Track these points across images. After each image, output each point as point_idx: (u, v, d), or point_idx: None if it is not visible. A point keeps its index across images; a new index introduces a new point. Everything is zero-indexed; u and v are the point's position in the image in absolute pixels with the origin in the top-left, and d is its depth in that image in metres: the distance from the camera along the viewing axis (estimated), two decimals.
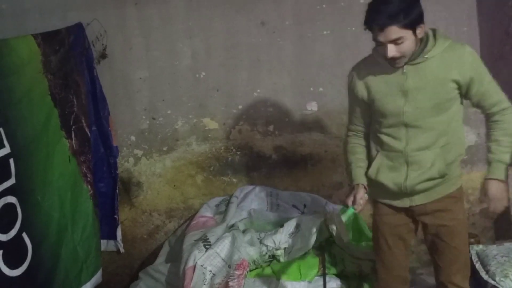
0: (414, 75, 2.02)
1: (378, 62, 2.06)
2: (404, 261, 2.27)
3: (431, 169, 2.08)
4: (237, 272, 2.59)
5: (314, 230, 2.78)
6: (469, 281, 2.22)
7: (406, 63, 2.01)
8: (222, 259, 2.68)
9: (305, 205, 3.17)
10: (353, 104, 2.23)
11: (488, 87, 2.06)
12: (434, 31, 2.05)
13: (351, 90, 2.19)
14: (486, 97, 2.07)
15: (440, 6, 3.11)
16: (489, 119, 2.13)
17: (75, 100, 3.09)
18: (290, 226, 2.81)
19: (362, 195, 2.14)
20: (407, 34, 1.93)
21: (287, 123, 3.38)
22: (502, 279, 2.24)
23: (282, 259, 2.72)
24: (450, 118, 2.08)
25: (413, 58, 2.01)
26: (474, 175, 2.99)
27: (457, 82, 2.03)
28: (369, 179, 2.20)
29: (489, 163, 2.11)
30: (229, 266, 2.64)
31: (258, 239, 2.81)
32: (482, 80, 2.05)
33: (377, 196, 2.25)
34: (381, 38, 1.93)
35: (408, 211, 2.19)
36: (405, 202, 2.17)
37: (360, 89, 2.14)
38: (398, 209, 2.19)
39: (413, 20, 1.92)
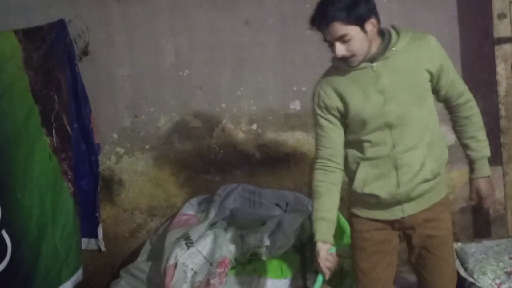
0: (386, 71, 1.89)
1: (343, 68, 1.93)
2: (388, 280, 2.10)
3: (423, 170, 1.93)
4: (219, 270, 2.59)
5: (296, 228, 2.79)
6: None
7: (375, 61, 1.89)
8: (204, 257, 2.68)
9: (287, 204, 3.19)
10: (322, 122, 1.99)
11: (454, 75, 2.01)
12: (393, 27, 1.96)
13: (321, 103, 1.98)
14: (453, 86, 1.99)
15: (421, 7, 3.14)
16: (456, 114, 2.05)
17: (56, 97, 3.06)
18: (272, 224, 2.82)
19: (325, 257, 1.88)
20: (353, 30, 1.81)
21: (271, 122, 3.39)
22: (480, 276, 2.28)
23: (263, 257, 2.72)
24: (429, 112, 1.97)
25: (380, 53, 1.89)
26: (454, 174, 3.03)
27: (429, 72, 1.93)
28: (353, 193, 2.02)
29: (472, 161, 2.07)
30: (211, 264, 2.64)
31: (240, 237, 2.81)
32: (449, 67, 1.98)
33: (360, 211, 2.06)
34: (327, 36, 1.85)
35: (395, 224, 2.02)
36: (396, 214, 1.99)
37: (332, 99, 1.95)
38: (383, 223, 2.02)
39: (358, 15, 1.80)
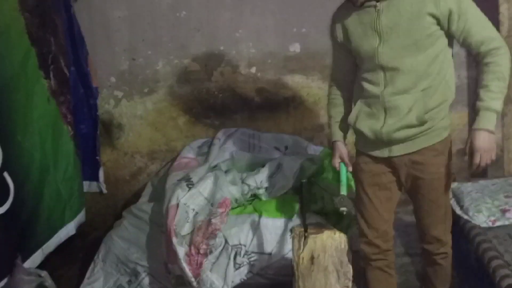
0: (387, 12, 1.90)
1: (351, 5, 1.99)
2: (386, 215, 2.16)
3: (409, 115, 1.93)
4: (220, 210, 2.64)
5: (295, 170, 2.83)
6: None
7: (380, 0, 1.90)
8: (205, 198, 2.72)
9: (286, 147, 3.21)
10: (335, 50, 2.16)
11: (474, 21, 1.87)
12: None
13: (332, 34, 2.12)
14: (471, 34, 1.87)
15: None
16: (479, 61, 1.91)
17: (52, 39, 3.01)
18: (271, 166, 2.85)
19: (342, 152, 2.15)
20: None
21: (270, 65, 3.37)
22: (475, 214, 2.32)
23: (263, 198, 2.77)
24: (432, 59, 1.92)
25: None
26: (453, 116, 3.02)
27: (434, 16, 1.87)
28: (352, 126, 2.13)
29: (477, 111, 1.91)
30: (212, 205, 2.69)
31: (240, 179, 2.85)
32: (465, 13, 1.86)
33: (358, 144, 2.17)
34: None
35: (387, 162, 2.08)
36: (383, 152, 2.06)
37: (339, 32, 2.07)
38: (377, 159, 2.08)
39: None
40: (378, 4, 1.91)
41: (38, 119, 2.86)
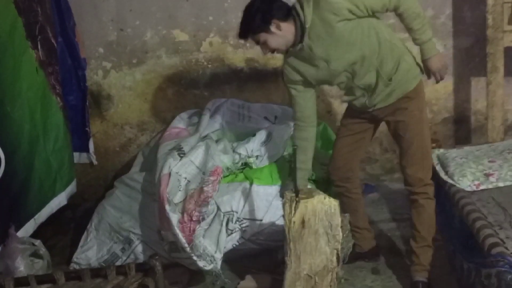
0: (314, 42, 2.23)
1: (290, 52, 2.32)
2: (350, 153, 2.52)
3: (379, 83, 2.28)
4: (212, 178, 2.67)
5: (286, 139, 2.87)
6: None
7: (302, 40, 2.22)
8: (197, 167, 2.75)
9: (276, 117, 3.23)
10: (292, 93, 2.43)
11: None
12: (294, 4, 2.24)
13: (288, 80, 2.41)
14: (375, 6, 2.20)
15: None
16: (397, 15, 2.27)
17: (39, 9, 2.98)
18: (262, 135, 2.88)
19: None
20: (263, 36, 2.24)
21: None
22: (460, 178, 2.39)
23: (254, 167, 2.81)
24: (368, 39, 2.23)
25: (300, 33, 2.22)
26: (438, 86, 3.08)
27: (342, 20, 2.17)
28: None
29: (419, 48, 2.30)
30: (204, 173, 2.72)
31: (231, 148, 2.88)
32: (358, 2, 2.17)
33: (348, 106, 2.53)
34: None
35: (370, 114, 2.41)
36: (369, 109, 2.40)
37: (295, 75, 2.37)
38: (362, 112, 2.43)
39: (257, 26, 2.22)
40: (303, 43, 2.24)
41: (27, 90, 2.84)
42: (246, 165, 2.84)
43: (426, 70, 2.33)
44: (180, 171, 2.71)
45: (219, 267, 2.53)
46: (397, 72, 2.28)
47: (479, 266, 1.92)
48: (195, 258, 2.49)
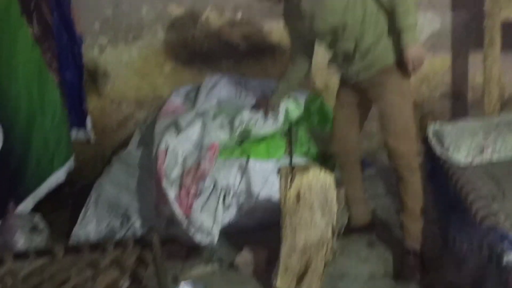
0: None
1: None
2: (349, 126, 2.58)
3: (358, 48, 2.34)
4: (209, 154, 2.68)
5: (284, 109, 2.87)
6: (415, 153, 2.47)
7: None
8: (193, 143, 2.76)
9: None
10: (289, 33, 2.55)
11: None
12: None
13: (285, 23, 2.51)
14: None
15: None
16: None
17: None
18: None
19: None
20: None
21: (256, 11, 3.34)
22: (454, 153, 2.37)
23: (253, 133, 2.82)
24: (352, 10, 2.26)
25: None
26: (436, 60, 3.09)
27: None
28: None
29: (400, 35, 2.28)
30: (200, 149, 2.73)
31: (229, 123, 2.89)
32: None
33: (340, 78, 2.61)
34: None
35: (357, 86, 2.48)
36: (353, 79, 2.47)
37: (289, 23, 2.49)
38: (349, 84, 2.51)
39: None
40: None
41: (23, 66, 2.84)
42: (243, 136, 2.85)
43: (404, 60, 2.28)
44: (177, 147, 2.73)
45: (216, 241, 2.56)
46: (376, 48, 2.32)
47: (471, 238, 1.94)
48: (192, 232, 2.52)
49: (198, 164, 2.67)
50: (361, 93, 2.50)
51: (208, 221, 2.59)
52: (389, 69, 2.35)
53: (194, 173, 2.64)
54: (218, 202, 2.63)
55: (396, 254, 2.56)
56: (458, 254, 2.14)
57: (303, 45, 2.55)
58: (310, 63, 2.63)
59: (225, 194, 2.65)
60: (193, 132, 2.79)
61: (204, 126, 2.80)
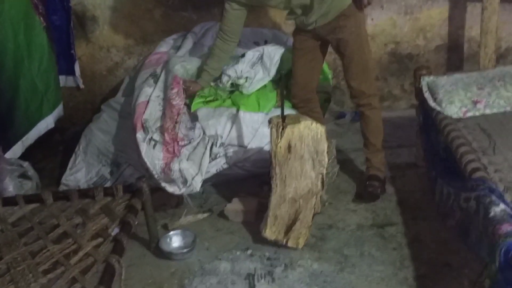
0: None
1: None
2: (309, 73, 2.64)
3: (315, 4, 2.41)
4: (174, 90, 2.61)
5: (276, 59, 2.82)
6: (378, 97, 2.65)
7: None
8: (165, 85, 2.73)
9: (266, 41, 3.16)
10: (227, 8, 2.52)
11: None
12: None
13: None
14: None
15: None
16: None
17: None
18: (252, 56, 2.83)
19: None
20: None
21: None
22: (448, 105, 2.36)
23: (244, 90, 2.77)
24: None
25: None
26: (433, 12, 3.02)
27: None
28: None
29: None
30: (167, 88, 2.70)
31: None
32: None
33: (295, 28, 2.64)
34: None
35: (314, 33, 2.54)
36: (312, 26, 2.52)
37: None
38: (307, 32, 2.56)
39: None
40: None
41: (9, 9, 2.76)
42: (235, 87, 2.81)
43: None
44: (160, 94, 2.70)
45: (198, 189, 2.55)
46: None
47: (459, 190, 1.95)
48: (163, 184, 2.51)
49: (170, 104, 2.61)
50: (318, 39, 2.57)
51: (193, 168, 2.55)
52: (346, 12, 2.44)
53: (170, 113, 2.58)
54: (205, 150, 2.59)
55: (384, 204, 2.59)
56: (445, 206, 2.16)
57: (241, 16, 2.55)
58: (238, 38, 2.65)
59: (212, 142, 2.62)
60: (165, 75, 2.77)
61: (169, 66, 2.78)
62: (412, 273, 2.14)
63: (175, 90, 2.61)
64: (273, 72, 2.77)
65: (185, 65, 2.80)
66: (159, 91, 2.70)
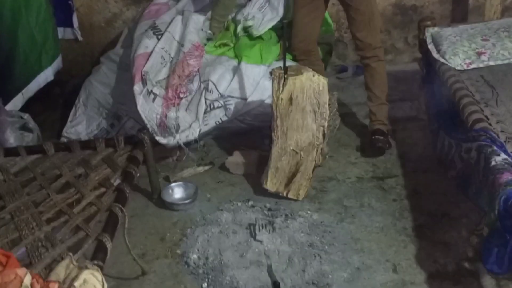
0: None
1: None
2: (310, 25, 2.60)
3: None
4: (196, 53, 2.61)
5: (285, 4, 2.78)
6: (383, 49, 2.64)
7: None
8: (177, 41, 2.70)
9: None
10: None
11: None
12: None
13: None
14: None
15: None
16: None
17: None
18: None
19: None
20: None
21: None
22: (451, 57, 2.34)
23: (254, 31, 2.77)
24: None
25: None
26: None
27: None
28: None
29: None
30: (182, 46, 2.67)
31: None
32: None
33: None
34: None
35: None
36: None
37: None
38: None
39: None
40: None
41: None
42: (246, 31, 2.78)
43: None
44: (165, 47, 2.66)
45: (196, 136, 2.56)
46: None
47: (461, 141, 1.95)
48: (158, 138, 2.52)
49: (185, 62, 2.59)
50: None
51: (190, 116, 2.56)
52: None
53: (181, 72, 2.57)
54: (200, 97, 2.59)
55: (386, 157, 2.59)
56: (446, 158, 2.16)
57: None
58: None
59: (205, 88, 2.60)
60: (175, 30, 2.73)
61: (185, 23, 2.73)
62: (410, 223, 2.17)
63: (197, 53, 2.59)
64: (281, 11, 2.75)
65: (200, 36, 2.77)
66: (165, 43, 2.66)
